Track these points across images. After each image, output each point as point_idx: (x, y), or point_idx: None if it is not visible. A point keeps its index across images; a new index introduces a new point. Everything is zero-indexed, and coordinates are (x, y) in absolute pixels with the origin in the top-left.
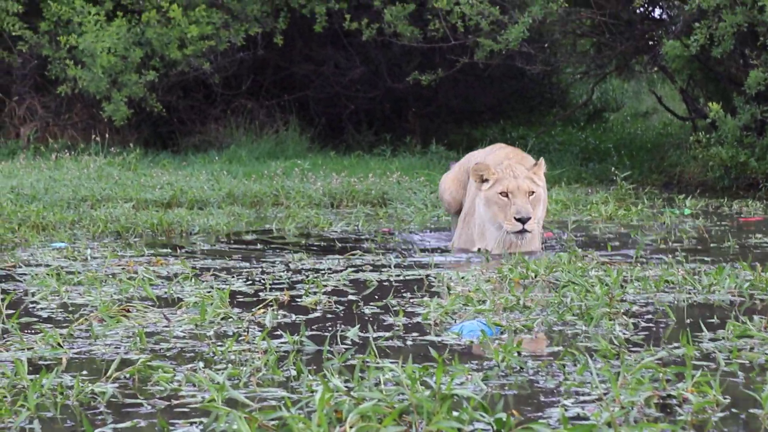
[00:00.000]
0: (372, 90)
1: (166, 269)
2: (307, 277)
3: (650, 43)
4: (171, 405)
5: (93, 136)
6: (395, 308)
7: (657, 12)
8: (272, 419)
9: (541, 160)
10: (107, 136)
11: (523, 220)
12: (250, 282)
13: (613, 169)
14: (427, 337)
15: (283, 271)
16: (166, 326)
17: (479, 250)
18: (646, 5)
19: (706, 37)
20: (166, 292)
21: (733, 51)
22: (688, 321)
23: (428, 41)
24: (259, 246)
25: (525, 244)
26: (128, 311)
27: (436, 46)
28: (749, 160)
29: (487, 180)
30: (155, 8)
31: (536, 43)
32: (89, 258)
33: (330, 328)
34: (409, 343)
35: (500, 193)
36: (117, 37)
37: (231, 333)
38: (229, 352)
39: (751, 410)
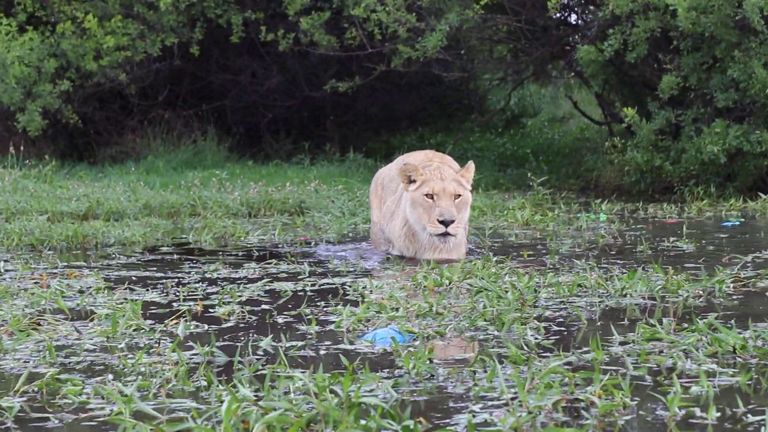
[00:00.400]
0: (290, 99)
1: (79, 282)
2: (222, 287)
3: (566, 48)
4: (79, 418)
5: (9, 149)
6: (308, 317)
7: (572, 18)
8: (178, 431)
9: (470, 164)
10: (22, 148)
11: (446, 223)
12: (164, 293)
13: (530, 174)
14: (340, 346)
15: (198, 282)
16: (77, 339)
17: (391, 254)
18: (561, 11)
19: (621, 43)
20: (78, 305)
21: (647, 56)
22: (599, 324)
23: (345, 50)
24: (175, 257)
25: (448, 249)
26: (39, 324)
27: (354, 55)
28: (664, 164)
29: (414, 181)
30: (70, 19)
31: (453, 50)
32: (2, 271)
33: (242, 338)
34: (321, 351)
35: (426, 195)
36: (29, 47)
37: (142, 345)
38: (140, 364)
39: (658, 413)
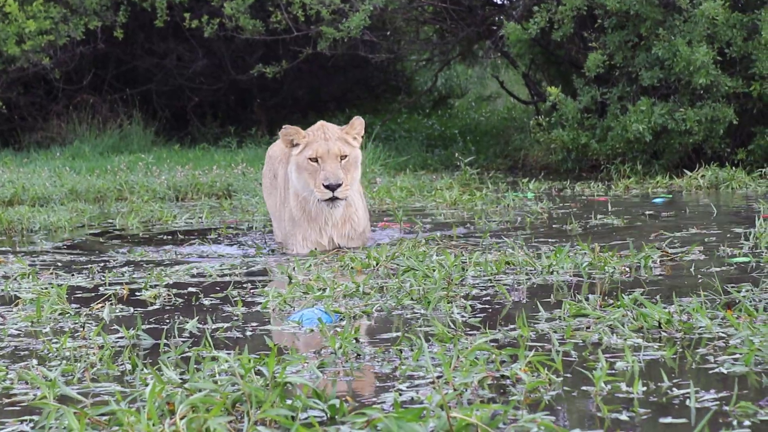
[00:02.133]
0: (216, 82)
1: (4, 268)
2: (148, 271)
3: (492, 28)
4: (2, 403)
5: None
6: (235, 299)
7: None
8: (102, 414)
9: (356, 119)
10: None
11: (332, 187)
12: (90, 278)
13: (457, 154)
14: (267, 327)
15: (124, 266)
16: (1, 324)
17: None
18: None
19: (546, 21)
20: (2, 290)
21: (572, 34)
22: (524, 302)
23: (271, 33)
24: (101, 241)
25: (350, 238)
26: None
27: (280, 38)
28: (590, 142)
29: (297, 144)
30: None
31: (379, 31)
32: None
33: (168, 321)
34: (248, 333)
35: (310, 159)
36: None
37: (67, 329)
38: (64, 348)
39: (584, 388)
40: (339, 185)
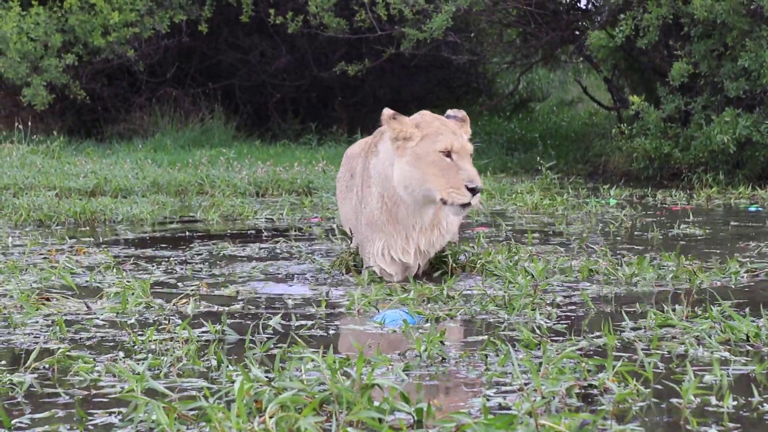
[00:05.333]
0: (298, 79)
1: (88, 258)
2: (228, 267)
3: (576, 33)
4: (90, 395)
5: (16, 124)
6: (319, 298)
7: (583, 2)
8: (191, 409)
9: (466, 115)
10: (30, 124)
11: (476, 191)
12: (173, 271)
13: (538, 158)
14: (350, 326)
15: (206, 261)
16: (86, 315)
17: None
18: None
19: (632, 28)
20: (87, 281)
21: (657, 42)
22: (609, 310)
23: (355, 32)
24: (185, 234)
25: (436, 244)
26: (48, 300)
27: (363, 37)
28: (673, 151)
29: (409, 138)
30: None
31: (462, 32)
32: (10, 246)
33: (254, 318)
34: (331, 332)
35: (441, 151)
36: (35, 22)
37: (152, 322)
38: (150, 341)
39: (672, 400)
40: (480, 190)
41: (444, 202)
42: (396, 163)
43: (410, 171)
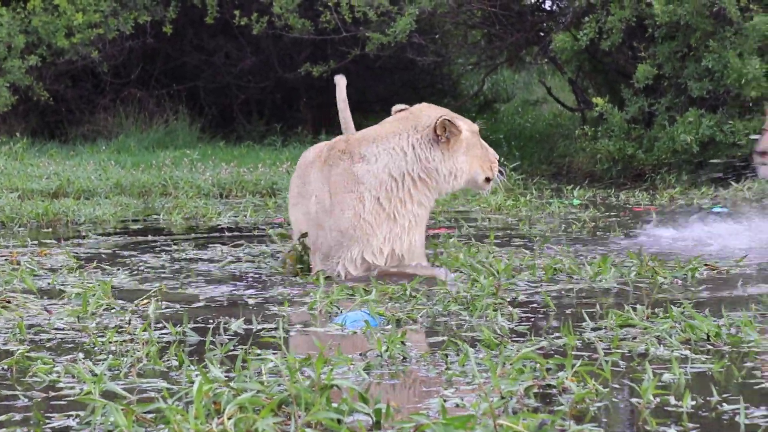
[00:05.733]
0: (263, 80)
1: (50, 260)
2: (189, 267)
3: (540, 34)
4: (48, 397)
5: None
6: (280, 298)
7: (547, 4)
8: (149, 411)
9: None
10: None
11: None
12: (135, 273)
13: (502, 159)
14: (312, 328)
15: (168, 262)
16: (47, 318)
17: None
18: None
19: (596, 31)
20: (49, 284)
21: (621, 44)
22: (570, 311)
23: (320, 33)
24: (147, 236)
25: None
26: (8, 302)
27: (328, 38)
28: (636, 152)
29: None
30: None
31: (427, 34)
32: None
33: (214, 319)
34: (293, 333)
35: (474, 132)
36: None
37: (113, 324)
38: (110, 343)
39: (632, 399)
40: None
41: (488, 180)
42: (447, 156)
43: (463, 159)
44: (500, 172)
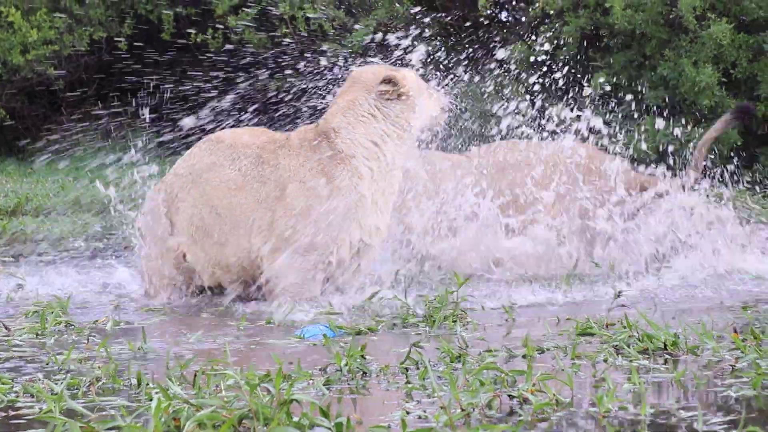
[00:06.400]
0: (222, 95)
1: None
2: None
3: (497, 46)
4: (8, 416)
5: None
6: (239, 313)
7: (503, 15)
8: (109, 428)
9: None
10: None
11: None
12: (92, 289)
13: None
14: (271, 341)
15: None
16: (5, 336)
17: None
18: (491, 8)
19: (551, 41)
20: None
21: (577, 53)
22: (532, 319)
23: (276, 46)
24: (106, 252)
25: None
26: None
27: (283, 50)
28: None
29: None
30: None
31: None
32: None
33: (173, 334)
34: (252, 347)
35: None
36: None
37: (72, 342)
38: (69, 361)
39: (591, 409)
40: None
41: (443, 110)
42: (409, 105)
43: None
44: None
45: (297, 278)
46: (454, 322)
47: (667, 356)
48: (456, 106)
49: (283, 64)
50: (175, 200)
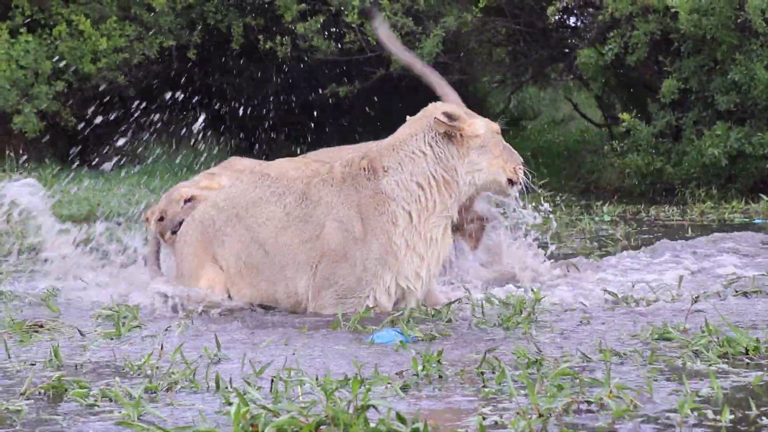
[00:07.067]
0: (288, 101)
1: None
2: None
3: (565, 51)
4: (86, 421)
5: (7, 152)
6: (302, 321)
7: (572, 20)
8: None
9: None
10: (21, 151)
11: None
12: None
13: (529, 178)
14: (340, 347)
15: None
16: (80, 341)
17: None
18: (560, 14)
19: (620, 46)
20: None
21: (647, 58)
22: (609, 325)
23: (344, 54)
24: None
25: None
26: (41, 326)
27: (353, 59)
28: (665, 167)
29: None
30: (66, 21)
31: (452, 53)
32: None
33: (244, 340)
34: (323, 352)
35: (497, 131)
36: (24, 50)
37: (147, 347)
38: (146, 365)
39: (670, 415)
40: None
41: (512, 183)
42: (462, 152)
43: (481, 157)
44: (526, 175)
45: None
46: (530, 324)
47: (748, 361)
48: (528, 185)
49: (351, 72)
50: (218, 234)
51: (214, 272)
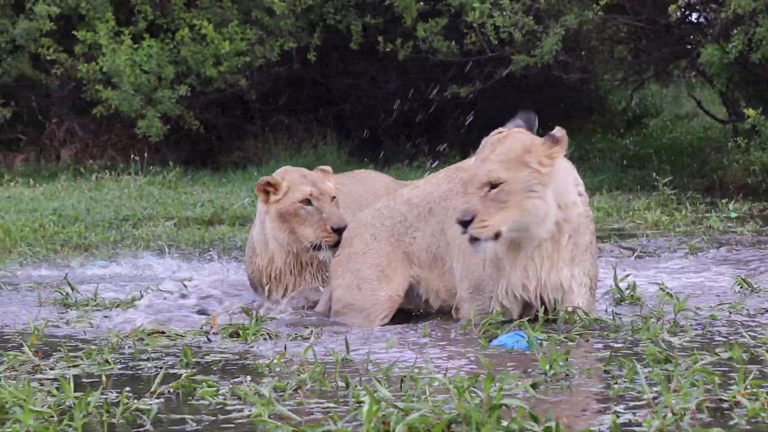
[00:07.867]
0: (408, 102)
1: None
2: None
3: (688, 47)
4: (217, 420)
5: (132, 156)
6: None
7: (694, 16)
8: None
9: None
10: (146, 155)
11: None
12: None
13: (654, 174)
14: (463, 349)
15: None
16: (207, 341)
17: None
18: (683, 10)
19: (744, 42)
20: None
21: None
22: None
23: (465, 54)
24: None
25: None
26: (162, 332)
27: (474, 59)
28: None
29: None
30: (188, 26)
31: (573, 51)
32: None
33: (366, 342)
34: (446, 354)
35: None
36: (147, 55)
37: (271, 347)
38: (275, 364)
39: None
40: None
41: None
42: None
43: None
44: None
45: (469, 315)
46: (661, 327)
47: None
48: None
49: (472, 72)
50: (409, 230)
51: (404, 271)
